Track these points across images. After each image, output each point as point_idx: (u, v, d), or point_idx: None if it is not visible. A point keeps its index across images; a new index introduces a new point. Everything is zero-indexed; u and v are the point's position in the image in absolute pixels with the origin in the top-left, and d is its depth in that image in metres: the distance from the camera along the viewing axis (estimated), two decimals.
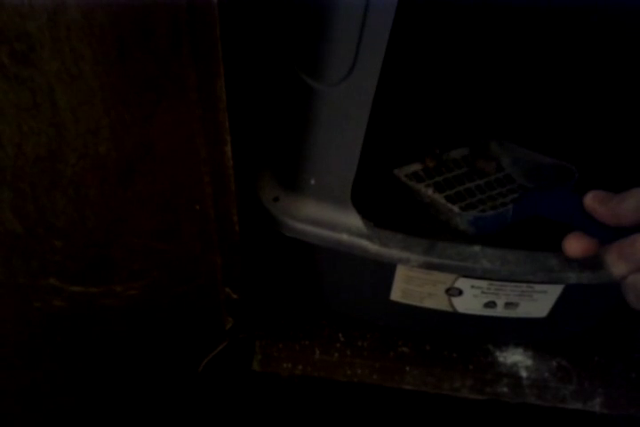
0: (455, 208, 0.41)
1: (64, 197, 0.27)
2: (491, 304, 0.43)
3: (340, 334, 0.50)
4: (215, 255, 0.37)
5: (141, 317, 0.36)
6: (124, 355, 0.38)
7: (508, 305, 0.43)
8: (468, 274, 0.40)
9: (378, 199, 0.44)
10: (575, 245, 0.33)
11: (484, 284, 0.41)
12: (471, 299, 0.43)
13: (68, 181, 0.27)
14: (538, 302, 0.43)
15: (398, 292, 0.44)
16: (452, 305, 0.44)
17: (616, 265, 0.31)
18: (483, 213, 0.42)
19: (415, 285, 0.43)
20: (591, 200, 0.32)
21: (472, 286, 0.42)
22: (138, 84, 0.26)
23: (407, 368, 0.48)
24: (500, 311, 0.44)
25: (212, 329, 0.42)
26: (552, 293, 0.42)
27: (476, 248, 0.39)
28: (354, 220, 0.40)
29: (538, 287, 0.42)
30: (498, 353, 0.49)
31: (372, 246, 0.39)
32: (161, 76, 0.27)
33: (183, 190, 0.31)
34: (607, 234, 0.32)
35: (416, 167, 0.46)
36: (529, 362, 0.48)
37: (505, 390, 0.47)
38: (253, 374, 0.47)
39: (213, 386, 0.46)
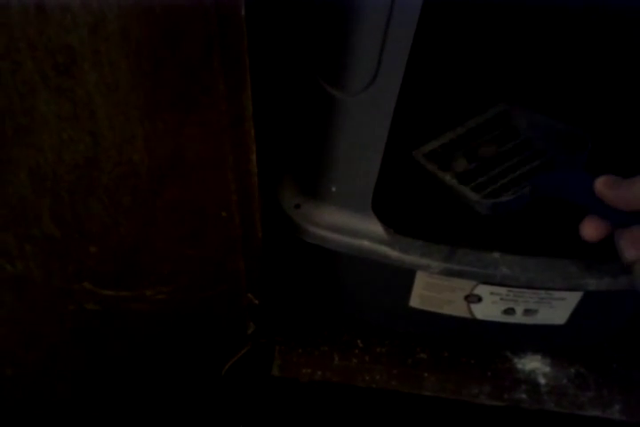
0: (473, 195, 0.40)
1: (99, 204, 0.28)
2: (510, 311, 0.43)
3: (359, 341, 0.50)
4: (239, 261, 0.37)
5: (168, 321, 0.36)
6: (150, 358, 0.39)
7: (526, 312, 0.43)
8: (488, 281, 0.40)
9: (398, 204, 0.44)
10: (589, 228, 0.33)
11: (503, 290, 0.41)
12: (490, 306, 0.43)
13: (104, 189, 0.28)
14: (557, 309, 0.43)
15: (417, 298, 0.44)
16: (470, 312, 0.44)
17: (627, 250, 0.31)
18: (500, 197, 0.40)
19: (434, 291, 0.43)
20: (601, 185, 0.31)
21: (491, 293, 0.42)
22: (170, 95, 0.27)
23: (425, 374, 0.48)
24: (518, 318, 0.44)
25: (234, 334, 0.42)
26: (571, 300, 0.42)
27: (496, 255, 0.39)
28: (374, 227, 0.40)
29: (557, 294, 0.41)
30: (516, 360, 0.48)
31: (393, 253, 0.40)
32: (192, 87, 0.27)
33: (211, 197, 0.32)
34: (621, 218, 0.31)
35: (434, 145, 0.44)
36: (547, 369, 0.48)
37: (523, 396, 0.47)
38: (273, 379, 0.47)
39: (235, 390, 0.47)
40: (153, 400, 0.44)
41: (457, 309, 0.44)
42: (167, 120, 0.27)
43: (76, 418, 0.40)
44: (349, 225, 0.40)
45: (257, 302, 0.42)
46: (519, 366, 0.48)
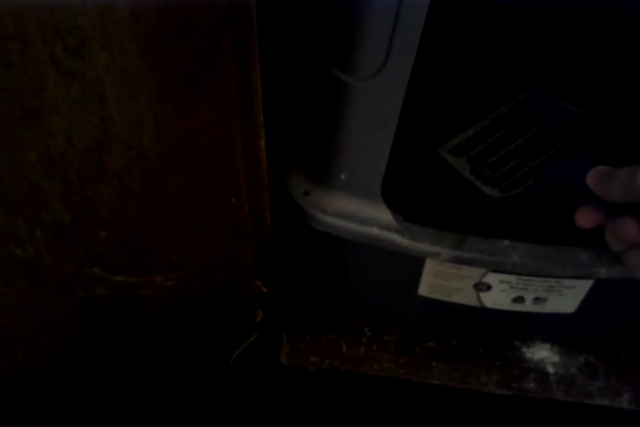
0: (486, 189, 0.41)
1: (109, 189, 0.28)
2: (519, 299, 0.43)
3: (367, 329, 0.50)
4: (248, 248, 0.37)
5: (177, 308, 0.36)
6: (159, 345, 0.39)
7: (536, 300, 0.43)
8: (498, 268, 0.40)
9: (407, 192, 0.44)
10: (583, 216, 0.34)
11: (512, 278, 0.41)
12: (499, 294, 0.43)
13: (113, 173, 0.27)
14: (566, 297, 0.43)
15: (426, 287, 0.44)
16: (479, 300, 0.44)
17: (613, 242, 0.33)
18: (511, 190, 0.41)
19: (443, 279, 0.43)
20: (589, 178, 0.32)
21: (501, 281, 0.42)
22: (180, 78, 0.27)
23: (433, 363, 0.48)
24: (528, 307, 0.44)
25: (243, 321, 0.42)
26: (581, 288, 0.42)
27: (506, 242, 0.39)
28: (384, 214, 0.40)
29: (567, 282, 0.41)
30: (525, 349, 0.48)
31: (402, 240, 0.39)
32: (202, 71, 0.27)
33: (220, 183, 0.32)
34: (610, 208, 0.33)
35: (460, 138, 0.44)
36: (556, 358, 0.48)
37: (532, 385, 0.46)
38: (281, 368, 0.47)
39: (243, 378, 0.47)
40: (161, 388, 0.44)
41: (466, 297, 0.44)
42: (177, 104, 0.27)
43: (84, 404, 0.40)
44: (358, 212, 0.40)
45: (265, 289, 0.42)
46: (528, 355, 0.48)
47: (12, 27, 0.21)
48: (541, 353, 0.48)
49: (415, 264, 0.42)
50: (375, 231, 0.40)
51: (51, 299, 0.30)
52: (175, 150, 0.29)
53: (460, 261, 0.39)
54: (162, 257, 0.32)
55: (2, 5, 0.21)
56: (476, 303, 0.44)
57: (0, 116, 0.23)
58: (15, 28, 0.21)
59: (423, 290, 0.44)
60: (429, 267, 0.42)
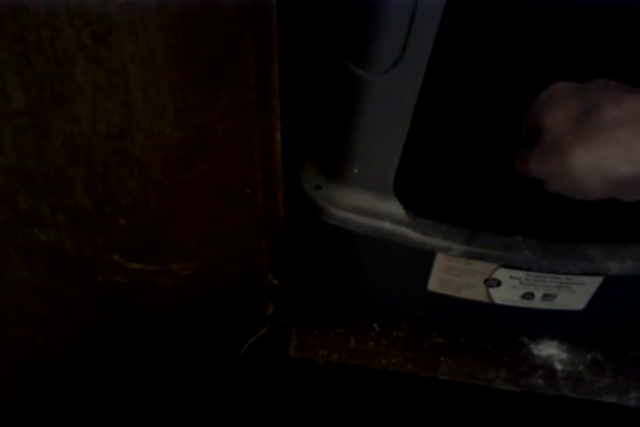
0: None
1: (130, 176, 0.28)
2: (528, 296, 0.43)
3: (375, 324, 0.50)
4: (261, 240, 0.37)
5: (192, 297, 0.36)
6: (173, 334, 0.39)
7: (545, 297, 0.43)
8: (509, 264, 0.40)
9: (419, 187, 0.44)
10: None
11: (522, 274, 0.41)
12: (509, 290, 0.43)
13: (135, 161, 0.28)
14: (576, 293, 0.43)
15: (436, 282, 0.44)
16: (489, 296, 0.44)
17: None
18: None
19: (453, 275, 0.43)
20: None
21: (511, 277, 0.42)
22: (202, 68, 0.27)
23: (442, 358, 0.48)
24: (537, 303, 0.44)
25: (254, 313, 0.43)
26: (590, 285, 0.42)
27: (518, 238, 0.39)
28: (396, 208, 0.40)
29: (576, 279, 0.41)
30: (532, 346, 0.48)
31: (414, 235, 0.40)
32: (223, 61, 0.27)
33: (237, 173, 0.32)
34: None
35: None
36: (564, 355, 0.48)
37: (539, 382, 0.46)
38: (290, 361, 0.47)
39: (253, 369, 0.47)
40: (173, 377, 0.44)
41: (475, 293, 0.44)
42: (198, 94, 0.28)
43: (98, 389, 0.40)
44: (370, 207, 0.40)
45: (277, 282, 0.42)
46: (535, 351, 0.48)
47: (45, 12, 0.22)
48: (549, 350, 0.48)
49: (425, 259, 0.42)
50: (387, 226, 0.40)
51: (70, 283, 0.30)
52: (195, 140, 0.29)
53: (471, 255, 0.39)
54: (179, 246, 0.33)
55: None
56: (485, 299, 0.44)
57: (29, 102, 0.24)
58: (47, 14, 0.22)
59: (433, 285, 0.44)
60: (439, 262, 0.42)
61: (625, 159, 0.27)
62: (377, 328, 0.50)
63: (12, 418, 0.37)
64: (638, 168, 0.27)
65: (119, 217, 0.29)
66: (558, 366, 0.47)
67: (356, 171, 0.39)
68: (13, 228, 0.26)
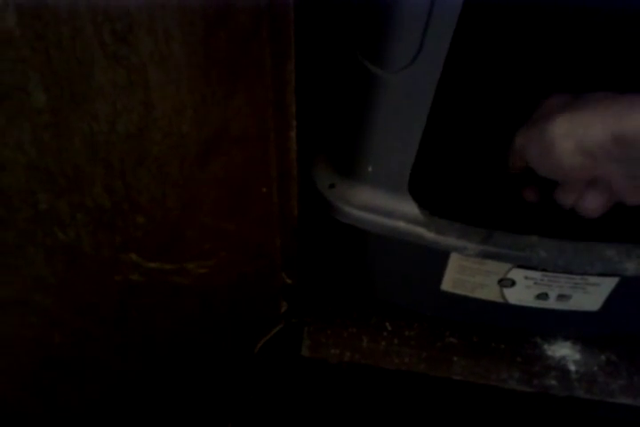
0: None
1: (148, 175, 0.28)
2: (543, 296, 0.43)
3: (388, 323, 0.50)
4: (275, 239, 0.37)
5: (207, 296, 0.36)
6: (188, 333, 0.39)
7: (560, 297, 0.43)
8: (525, 264, 0.39)
9: (434, 186, 0.44)
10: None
11: (537, 275, 0.41)
12: (523, 290, 0.42)
13: (153, 159, 0.28)
14: (591, 294, 0.42)
15: (450, 282, 0.44)
16: (503, 296, 0.43)
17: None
18: None
19: (467, 275, 0.43)
20: None
21: (525, 277, 0.41)
22: (220, 65, 0.27)
23: (454, 358, 0.48)
24: (551, 304, 0.43)
25: (268, 312, 0.43)
26: (606, 285, 0.41)
27: (534, 238, 0.39)
28: (410, 208, 0.40)
29: (591, 280, 0.41)
30: (546, 346, 0.48)
31: (429, 234, 0.39)
32: (241, 58, 0.27)
33: (252, 172, 0.32)
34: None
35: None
36: (577, 356, 0.47)
37: (553, 382, 0.46)
38: (302, 360, 0.47)
39: (266, 368, 0.47)
40: (187, 375, 0.44)
41: (489, 293, 0.44)
42: (216, 91, 0.27)
43: (114, 387, 0.40)
44: (385, 206, 0.40)
45: (290, 281, 0.42)
46: (549, 352, 0.48)
47: (66, 10, 0.22)
48: (563, 351, 0.48)
49: (439, 259, 0.42)
50: (401, 225, 0.40)
51: (88, 282, 0.30)
52: (211, 138, 0.29)
53: (486, 255, 0.39)
54: (195, 245, 0.32)
55: None
56: (499, 299, 0.44)
57: (50, 99, 0.24)
58: (68, 12, 0.22)
59: (446, 285, 0.44)
60: (454, 262, 0.42)
61: (599, 122, 0.28)
62: (389, 328, 0.49)
63: (27, 416, 0.37)
64: (610, 132, 0.28)
65: (137, 215, 0.29)
66: (572, 367, 0.47)
67: (370, 169, 0.39)
68: (34, 226, 0.26)
